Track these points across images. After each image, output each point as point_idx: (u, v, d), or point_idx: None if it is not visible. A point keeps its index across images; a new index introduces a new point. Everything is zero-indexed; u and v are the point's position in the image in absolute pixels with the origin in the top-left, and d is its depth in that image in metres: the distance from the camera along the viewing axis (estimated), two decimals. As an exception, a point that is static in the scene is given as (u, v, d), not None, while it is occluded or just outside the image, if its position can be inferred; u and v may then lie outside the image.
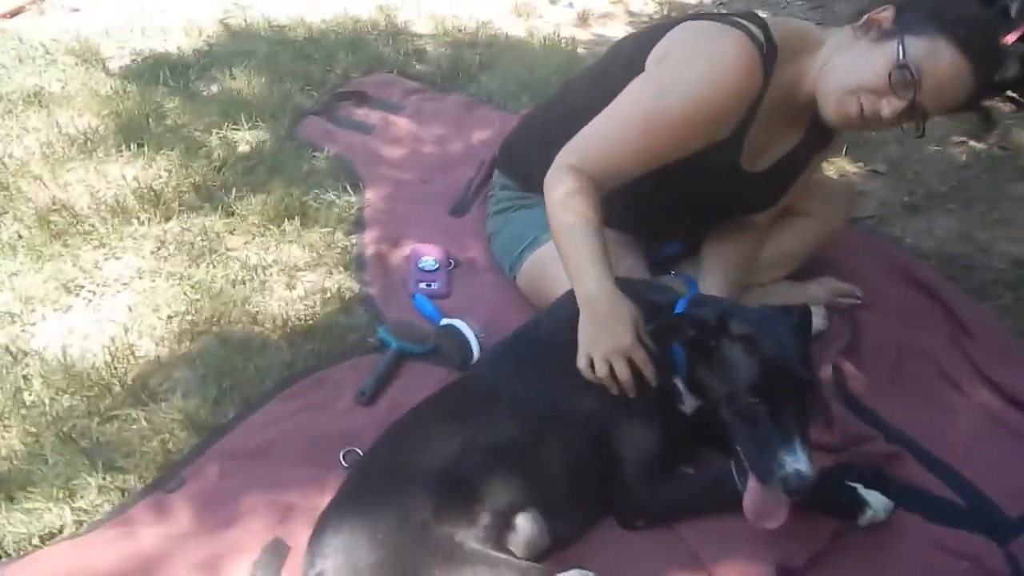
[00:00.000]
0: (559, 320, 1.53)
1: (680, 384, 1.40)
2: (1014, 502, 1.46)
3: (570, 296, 1.50)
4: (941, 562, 1.33)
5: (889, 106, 1.42)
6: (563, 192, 1.52)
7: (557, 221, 1.52)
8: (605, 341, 1.39)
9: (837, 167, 2.56)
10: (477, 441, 1.34)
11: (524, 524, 1.32)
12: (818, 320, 1.87)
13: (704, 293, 1.76)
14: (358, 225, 2.19)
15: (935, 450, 1.53)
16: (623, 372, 1.38)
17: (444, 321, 1.83)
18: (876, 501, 1.39)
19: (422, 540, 1.19)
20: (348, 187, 2.30)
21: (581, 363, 1.41)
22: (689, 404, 1.41)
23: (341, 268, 2.03)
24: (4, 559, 1.34)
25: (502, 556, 1.22)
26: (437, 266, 2.04)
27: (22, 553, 1.35)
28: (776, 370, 1.25)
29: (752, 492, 1.26)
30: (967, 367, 1.77)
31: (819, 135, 1.67)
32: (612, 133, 1.54)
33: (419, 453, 1.33)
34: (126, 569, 1.32)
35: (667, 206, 1.72)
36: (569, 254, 1.49)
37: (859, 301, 1.92)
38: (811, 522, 1.35)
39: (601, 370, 1.39)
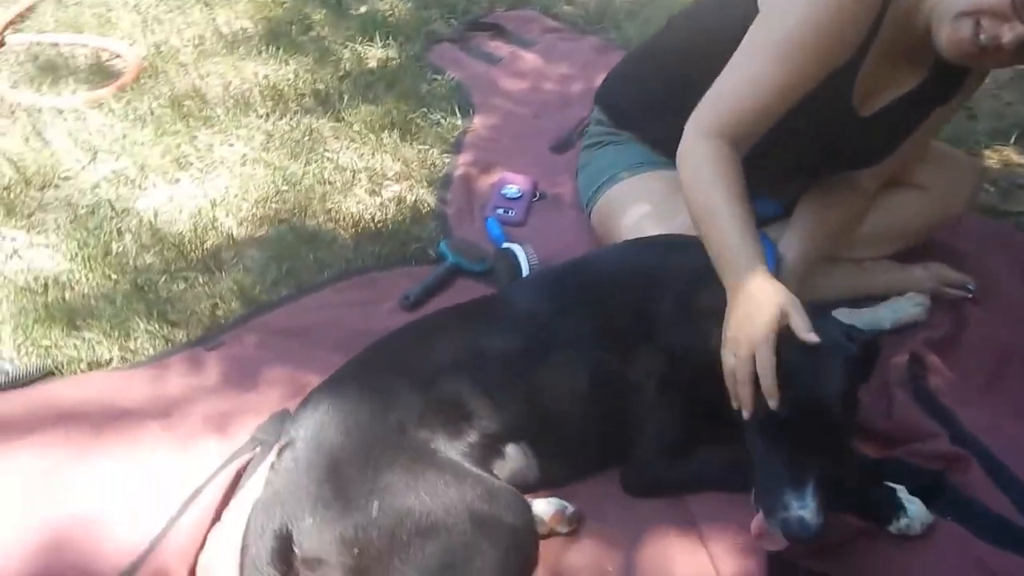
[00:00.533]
0: (607, 264, 1.46)
1: None
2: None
3: (628, 244, 1.41)
4: (972, 580, 1.14)
5: (1011, 31, 1.23)
6: (698, 160, 1.34)
7: (696, 204, 1.33)
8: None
9: (1002, 157, 2.24)
10: (486, 359, 1.30)
11: (513, 454, 1.27)
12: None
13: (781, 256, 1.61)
14: (456, 147, 2.20)
15: (1010, 463, 1.31)
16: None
17: (504, 245, 1.81)
18: (914, 510, 1.21)
19: (392, 437, 1.17)
20: (458, 111, 2.31)
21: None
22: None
23: (426, 184, 2.05)
24: (55, 375, 1.50)
25: (474, 470, 1.18)
26: (520, 195, 2.01)
27: (69, 373, 1.50)
28: (809, 407, 1.12)
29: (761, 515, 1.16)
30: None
31: (943, 84, 1.47)
32: (744, 76, 1.40)
33: (423, 356, 1.31)
34: (149, 407, 1.43)
35: (763, 152, 1.57)
36: (711, 235, 1.29)
37: (970, 295, 1.67)
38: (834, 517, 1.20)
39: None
